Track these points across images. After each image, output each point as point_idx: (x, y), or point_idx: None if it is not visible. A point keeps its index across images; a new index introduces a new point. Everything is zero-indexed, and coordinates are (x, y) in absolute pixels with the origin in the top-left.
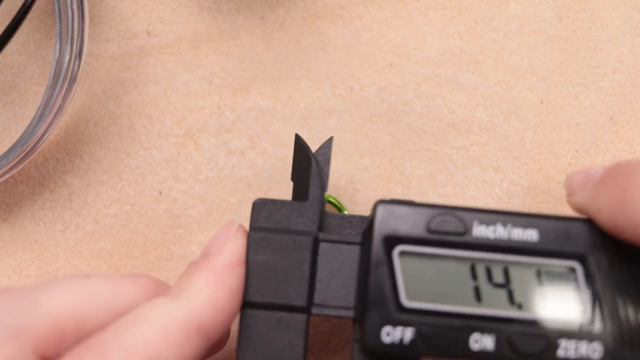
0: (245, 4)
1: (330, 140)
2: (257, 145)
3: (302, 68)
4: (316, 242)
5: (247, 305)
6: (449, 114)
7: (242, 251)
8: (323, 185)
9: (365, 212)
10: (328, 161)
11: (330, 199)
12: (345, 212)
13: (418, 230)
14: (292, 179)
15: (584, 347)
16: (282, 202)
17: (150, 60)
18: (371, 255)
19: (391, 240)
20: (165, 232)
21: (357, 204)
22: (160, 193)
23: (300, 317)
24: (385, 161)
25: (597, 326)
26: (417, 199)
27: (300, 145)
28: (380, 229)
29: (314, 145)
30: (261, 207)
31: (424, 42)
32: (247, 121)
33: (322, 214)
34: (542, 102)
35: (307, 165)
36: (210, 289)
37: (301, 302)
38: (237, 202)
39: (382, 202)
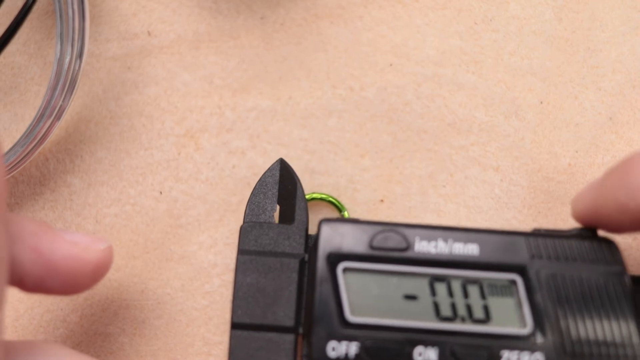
0: (245, 5)
1: (277, 162)
2: (258, 145)
3: (302, 68)
4: (302, 264)
5: (235, 326)
6: (449, 114)
7: None
8: (307, 208)
9: (365, 212)
10: (276, 183)
11: (330, 199)
12: (346, 213)
13: (361, 247)
14: (278, 202)
15: (526, 358)
16: (269, 225)
17: (151, 61)
18: (316, 272)
19: (335, 257)
20: (166, 232)
21: (357, 204)
22: (161, 193)
23: (289, 337)
24: (385, 161)
25: (539, 337)
26: (417, 199)
27: (285, 169)
28: (325, 246)
29: (314, 145)
30: (249, 231)
31: (424, 42)
32: (247, 121)
33: (307, 235)
34: (541, 103)
35: (293, 189)
36: None
37: (289, 322)
38: (238, 202)
39: (326, 220)
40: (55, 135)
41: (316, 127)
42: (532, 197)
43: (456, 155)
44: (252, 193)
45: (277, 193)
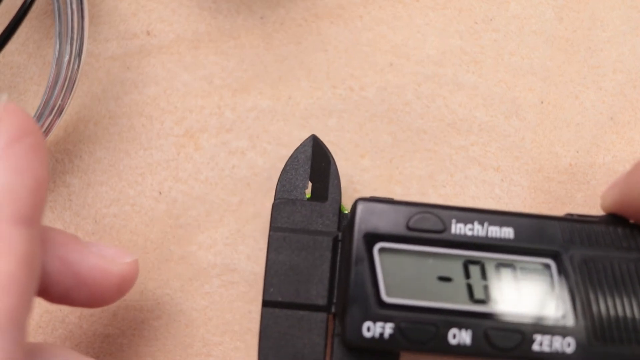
0: (245, 4)
1: (310, 138)
2: (257, 145)
3: (302, 68)
4: (336, 242)
5: (267, 304)
6: (449, 114)
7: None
8: (340, 186)
9: None
10: (308, 159)
11: None
12: (346, 212)
13: (398, 228)
14: (311, 179)
15: (558, 342)
16: (302, 203)
17: (151, 60)
18: (352, 252)
19: (371, 237)
20: (165, 232)
21: None
22: (160, 193)
23: (321, 316)
24: (385, 161)
25: (571, 321)
26: (417, 199)
27: (318, 146)
28: (361, 226)
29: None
30: (281, 208)
31: (424, 42)
32: (247, 121)
33: (341, 214)
34: (542, 102)
35: (326, 166)
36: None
37: (322, 301)
38: (237, 202)
39: (361, 199)
40: (54, 135)
41: (316, 127)
42: (532, 197)
43: (456, 155)
44: (283, 169)
45: (309, 170)
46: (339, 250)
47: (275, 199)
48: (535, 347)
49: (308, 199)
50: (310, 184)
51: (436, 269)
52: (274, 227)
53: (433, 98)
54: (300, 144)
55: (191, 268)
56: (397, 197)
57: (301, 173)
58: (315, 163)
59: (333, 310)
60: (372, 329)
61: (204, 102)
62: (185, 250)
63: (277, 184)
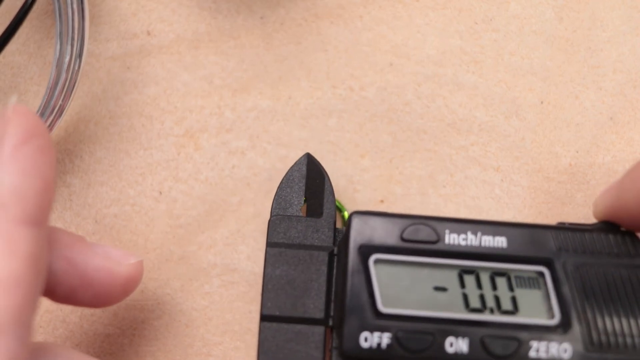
0: (245, 4)
1: (304, 156)
2: (257, 145)
3: (302, 68)
4: (332, 257)
5: (265, 318)
6: (449, 114)
7: (29, 126)
8: (335, 202)
9: None
10: (303, 177)
11: None
12: (346, 213)
13: (392, 239)
14: (306, 196)
15: (554, 348)
16: (298, 219)
17: (151, 61)
18: (348, 264)
19: (366, 249)
20: (166, 232)
21: (357, 204)
22: (161, 193)
23: (319, 330)
24: (385, 161)
25: (567, 328)
26: (417, 199)
27: (313, 163)
28: (356, 238)
29: (314, 145)
30: (277, 224)
31: (424, 42)
32: (247, 121)
33: (336, 229)
34: (542, 102)
35: (321, 182)
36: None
37: (319, 314)
38: (237, 202)
39: (356, 213)
40: (55, 135)
41: (316, 127)
42: (532, 197)
43: (456, 155)
44: (278, 187)
45: (304, 187)
46: (335, 264)
47: (271, 216)
48: (532, 353)
49: (304, 203)
50: (305, 201)
51: (431, 279)
52: (270, 243)
53: (433, 98)
54: (295, 163)
55: (191, 268)
56: (397, 197)
57: (296, 190)
58: (310, 180)
59: (330, 323)
60: (370, 339)
61: (204, 102)
62: (185, 250)
63: (273, 202)
